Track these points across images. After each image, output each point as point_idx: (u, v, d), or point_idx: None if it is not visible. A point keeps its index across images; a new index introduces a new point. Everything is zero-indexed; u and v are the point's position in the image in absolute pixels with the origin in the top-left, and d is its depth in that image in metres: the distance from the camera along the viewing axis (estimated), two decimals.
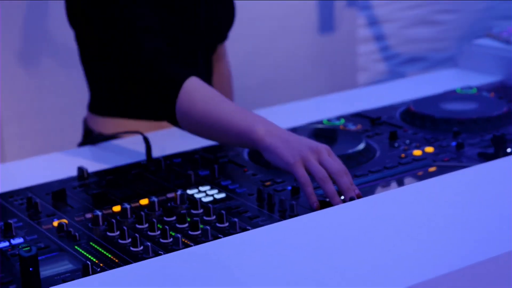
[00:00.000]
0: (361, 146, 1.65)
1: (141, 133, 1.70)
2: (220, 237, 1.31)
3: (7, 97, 2.85)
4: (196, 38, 1.86)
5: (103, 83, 1.88)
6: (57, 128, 2.96)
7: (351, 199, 1.40)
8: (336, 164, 1.44)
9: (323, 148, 1.46)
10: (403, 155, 1.64)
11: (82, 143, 1.87)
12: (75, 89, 2.93)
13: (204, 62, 1.90)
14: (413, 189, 1.43)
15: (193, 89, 1.60)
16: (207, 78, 1.92)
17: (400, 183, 1.53)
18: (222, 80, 2.04)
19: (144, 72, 1.64)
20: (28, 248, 1.15)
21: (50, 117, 2.94)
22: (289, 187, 1.50)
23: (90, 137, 1.82)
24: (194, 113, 1.58)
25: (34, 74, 2.89)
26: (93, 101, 1.92)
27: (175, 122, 1.63)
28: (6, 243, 1.33)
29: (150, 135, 1.74)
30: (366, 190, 1.49)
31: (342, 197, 1.42)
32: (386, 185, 1.53)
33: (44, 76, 2.91)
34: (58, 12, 2.81)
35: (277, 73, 3.49)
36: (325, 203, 1.42)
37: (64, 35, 2.86)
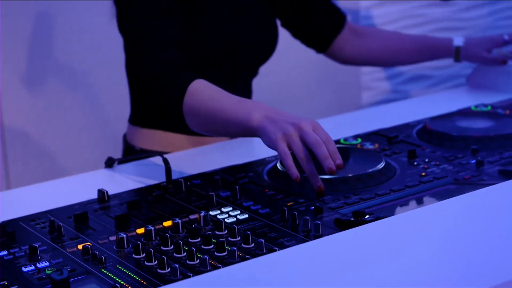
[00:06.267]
0: (382, 165, 1.64)
1: (161, 155, 1.69)
2: (248, 258, 1.31)
3: (11, 118, 2.84)
4: (236, 60, 1.89)
5: (137, 94, 1.92)
6: (62, 150, 2.94)
7: (330, 170, 1.42)
8: (313, 136, 1.46)
9: (306, 122, 1.49)
10: (423, 173, 1.64)
11: (121, 161, 1.84)
12: (80, 111, 2.92)
13: (244, 84, 1.92)
14: (439, 207, 1.42)
15: (197, 89, 1.64)
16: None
17: (423, 202, 1.53)
18: None
19: (152, 81, 1.68)
20: (59, 271, 1.14)
21: (55, 139, 2.93)
22: (312, 207, 1.50)
23: (109, 160, 1.80)
24: (198, 111, 1.62)
25: (39, 95, 2.89)
26: (132, 113, 1.99)
27: (184, 124, 1.66)
28: (32, 267, 1.32)
29: (169, 156, 1.73)
30: (388, 209, 1.49)
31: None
32: (407, 203, 1.53)
33: (48, 98, 2.90)
34: (63, 33, 2.81)
35: (281, 92, 3.49)
36: (346, 223, 1.42)
37: (68, 56, 2.87)
